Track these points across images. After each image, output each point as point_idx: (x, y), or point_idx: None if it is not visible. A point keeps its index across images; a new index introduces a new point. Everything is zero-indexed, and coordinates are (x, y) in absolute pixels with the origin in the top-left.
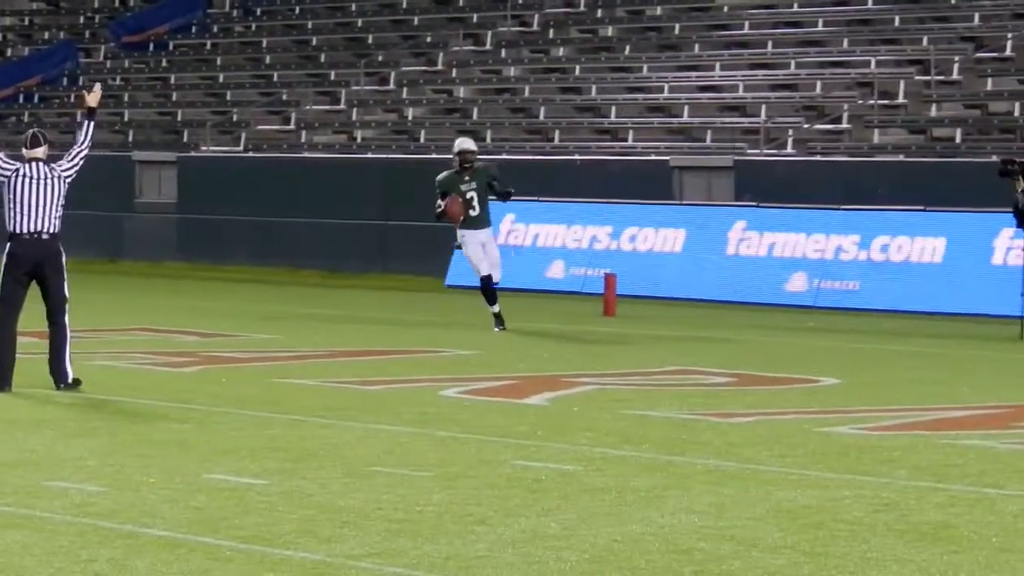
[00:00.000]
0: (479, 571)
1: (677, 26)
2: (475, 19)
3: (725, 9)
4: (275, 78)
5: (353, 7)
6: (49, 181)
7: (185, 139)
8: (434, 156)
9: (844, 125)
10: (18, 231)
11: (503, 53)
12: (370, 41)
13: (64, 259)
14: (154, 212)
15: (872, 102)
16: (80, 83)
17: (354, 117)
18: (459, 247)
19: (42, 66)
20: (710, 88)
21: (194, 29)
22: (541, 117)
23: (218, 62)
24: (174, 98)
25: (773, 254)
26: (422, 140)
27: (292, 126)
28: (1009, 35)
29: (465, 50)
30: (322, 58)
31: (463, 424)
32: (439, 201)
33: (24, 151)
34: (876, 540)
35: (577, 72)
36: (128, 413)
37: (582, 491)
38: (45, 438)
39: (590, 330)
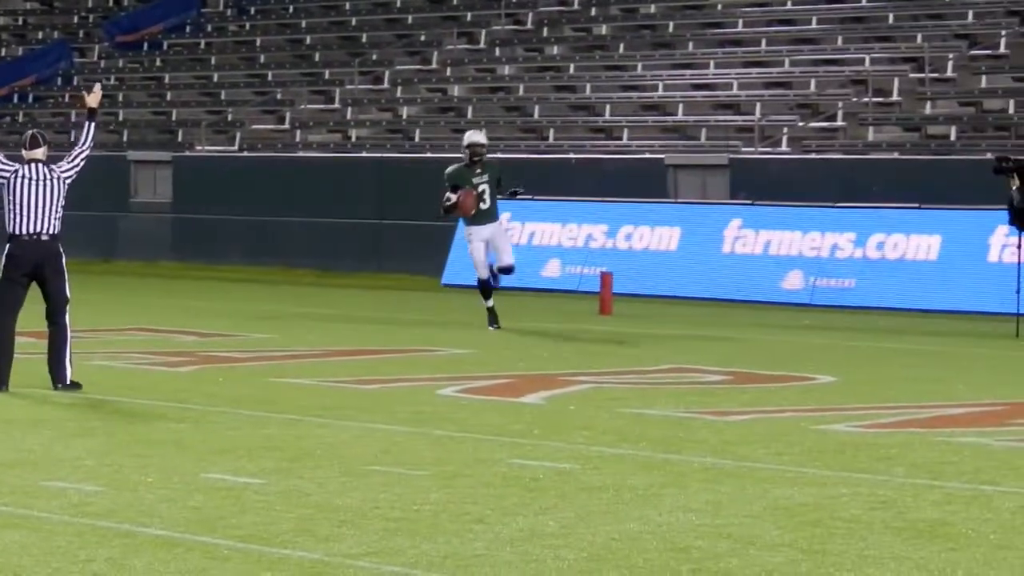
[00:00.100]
0: (477, 570)
1: (671, 24)
2: (469, 18)
3: (719, 7)
4: (269, 77)
5: (347, 6)
6: (48, 182)
7: (180, 139)
8: (429, 155)
9: (839, 123)
10: (17, 232)
11: (497, 52)
12: (364, 40)
13: (64, 260)
14: (149, 212)
15: (867, 100)
16: (74, 83)
17: (348, 116)
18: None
19: (36, 66)
20: (704, 86)
21: (188, 29)
22: (536, 116)
23: (212, 61)
24: (168, 98)
25: (769, 252)
26: (416, 139)
27: (287, 125)
28: (1003, 32)
29: (459, 49)
30: (316, 57)
31: (459, 423)
32: (448, 194)
33: (24, 152)
34: (873, 538)
35: (571, 71)
36: (125, 413)
37: (579, 489)
38: (43, 438)
39: (586, 329)
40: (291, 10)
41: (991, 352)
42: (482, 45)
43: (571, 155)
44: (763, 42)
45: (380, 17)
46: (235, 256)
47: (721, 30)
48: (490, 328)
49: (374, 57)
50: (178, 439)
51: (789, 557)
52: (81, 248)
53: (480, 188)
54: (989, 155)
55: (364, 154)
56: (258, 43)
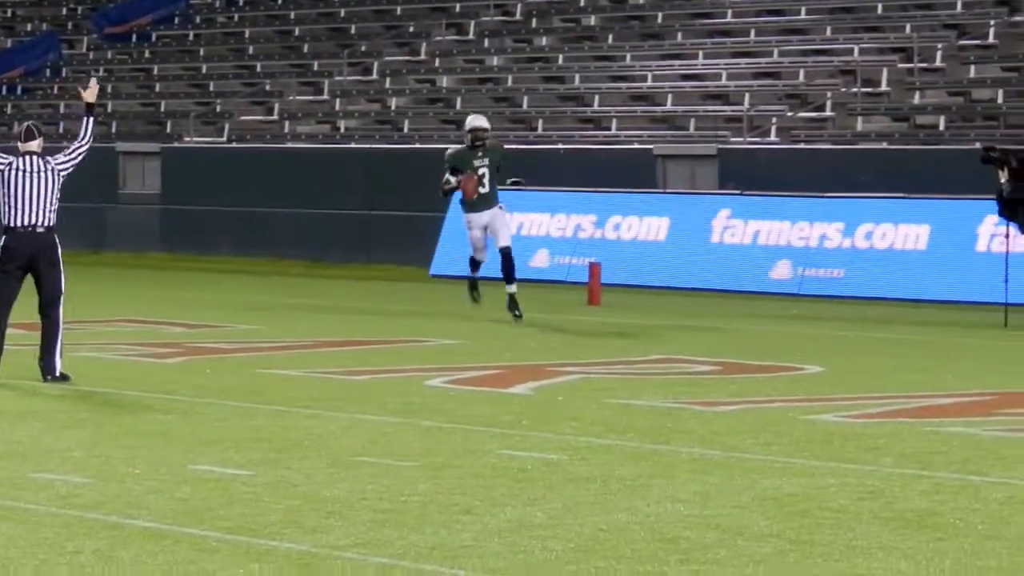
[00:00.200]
0: (465, 561)
1: (660, 15)
2: (458, 8)
3: None
4: (258, 68)
5: None
6: (43, 174)
7: (168, 130)
8: (417, 146)
9: (827, 113)
10: (13, 224)
11: (486, 42)
12: (353, 31)
13: (60, 252)
14: (137, 203)
15: (855, 90)
16: (63, 75)
17: (337, 107)
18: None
19: (24, 57)
20: (693, 76)
21: (177, 20)
22: (524, 106)
23: (201, 53)
24: (157, 89)
25: (757, 242)
26: (405, 130)
27: (275, 116)
28: (992, 22)
29: (448, 40)
30: (305, 48)
31: (448, 414)
32: (447, 176)
33: (19, 144)
34: (861, 528)
35: (560, 61)
36: (113, 404)
37: (567, 480)
38: (31, 430)
39: (575, 319)
40: (279, 1)
41: (980, 342)
42: (471, 36)
43: (560, 145)
44: (752, 32)
45: (369, 8)
46: (224, 247)
47: (710, 20)
48: (472, 299)
49: (363, 48)
50: (166, 430)
51: (777, 547)
52: (70, 239)
53: (480, 172)
54: (978, 145)
55: (353, 145)
56: (246, 34)
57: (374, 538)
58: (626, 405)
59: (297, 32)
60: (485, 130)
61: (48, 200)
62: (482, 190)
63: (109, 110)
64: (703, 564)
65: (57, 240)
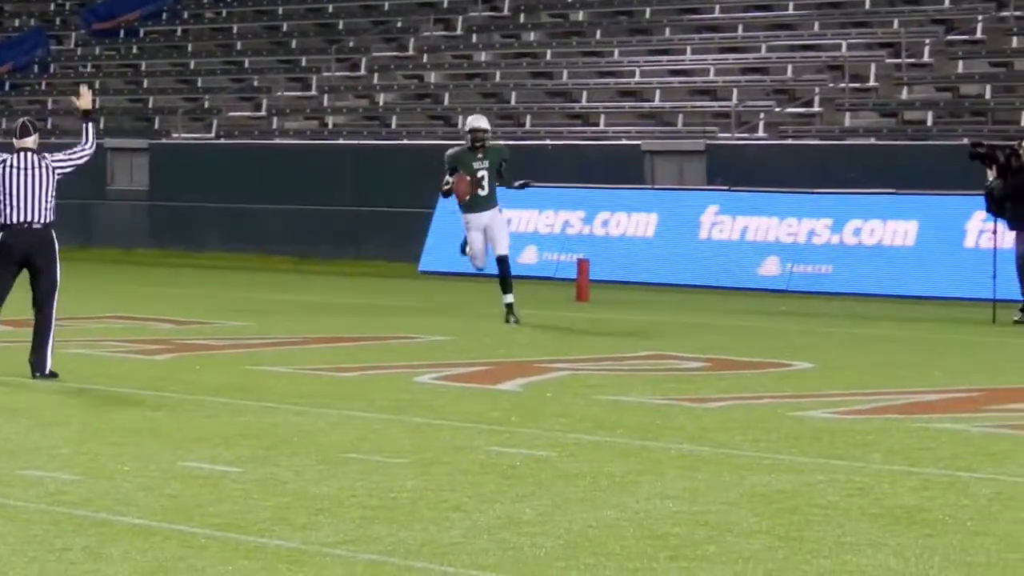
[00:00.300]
0: (454, 557)
1: (648, 10)
2: (446, 4)
3: None
4: (246, 64)
5: None
6: (38, 171)
7: (156, 126)
8: (405, 142)
9: (815, 108)
10: (9, 221)
11: (474, 38)
12: (341, 27)
13: (57, 248)
14: (126, 199)
15: (843, 85)
16: (51, 70)
17: (325, 103)
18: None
19: (12, 53)
20: (681, 72)
21: (164, 16)
22: (512, 102)
23: (189, 49)
24: (145, 85)
25: (745, 238)
26: (393, 126)
27: (263, 112)
28: (980, 17)
29: (436, 35)
30: (293, 44)
31: (437, 410)
32: (447, 178)
33: (14, 141)
34: (850, 524)
35: (548, 57)
36: (102, 401)
37: (556, 477)
38: (19, 426)
39: (563, 315)
40: None
41: (968, 338)
42: (459, 31)
43: (548, 141)
44: (740, 28)
45: (356, 4)
46: (212, 243)
47: (698, 16)
48: (463, 251)
49: (351, 44)
50: (154, 427)
51: (766, 544)
52: (58, 235)
53: (479, 174)
54: (966, 140)
55: (341, 141)
56: (235, 30)
57: (363, 535)
58: (615, 401)
59: (285, 28)
60: (485, 131)
61: (44, 196)
62: (481, 192)
63: (97, 106)
64: (692, 561)
65: (54, 236)
